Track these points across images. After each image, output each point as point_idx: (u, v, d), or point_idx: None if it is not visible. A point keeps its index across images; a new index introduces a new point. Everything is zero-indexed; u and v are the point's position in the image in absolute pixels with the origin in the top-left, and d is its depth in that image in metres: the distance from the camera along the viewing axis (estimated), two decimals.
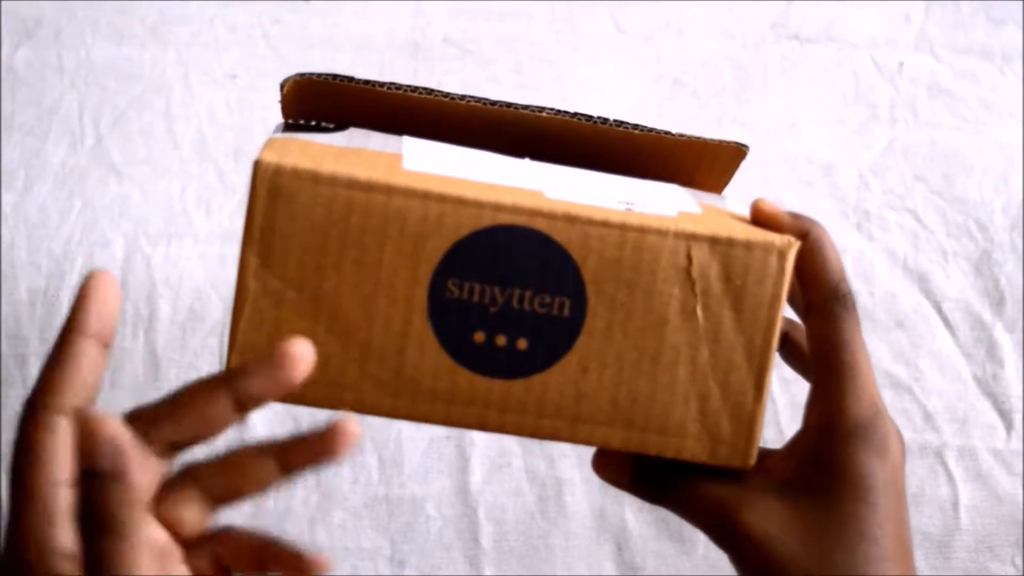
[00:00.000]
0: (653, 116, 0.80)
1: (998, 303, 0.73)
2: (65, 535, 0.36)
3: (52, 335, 0.69)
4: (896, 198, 0.77)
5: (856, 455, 0.43)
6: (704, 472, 0.45)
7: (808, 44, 0.83)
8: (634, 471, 0.46)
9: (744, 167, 0.52)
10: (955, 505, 0.68)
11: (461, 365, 0.44)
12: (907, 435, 0.69)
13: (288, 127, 0.49)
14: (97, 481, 0.36)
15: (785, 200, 0.76)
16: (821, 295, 0.44)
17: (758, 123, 0.80)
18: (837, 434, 0.43)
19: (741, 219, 0.47)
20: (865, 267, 0.74)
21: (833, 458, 0.43)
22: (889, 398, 0.70)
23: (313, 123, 0.49)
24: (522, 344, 0.44)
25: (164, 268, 0.71)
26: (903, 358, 0.72)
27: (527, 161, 0.49)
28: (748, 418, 0.44)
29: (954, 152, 0.79)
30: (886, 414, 0.44)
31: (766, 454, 0.45)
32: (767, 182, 0.77)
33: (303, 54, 0.80)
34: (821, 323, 0.45)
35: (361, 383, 0.43)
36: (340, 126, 0.49)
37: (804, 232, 0.44)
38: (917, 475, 0.69)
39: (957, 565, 0.67)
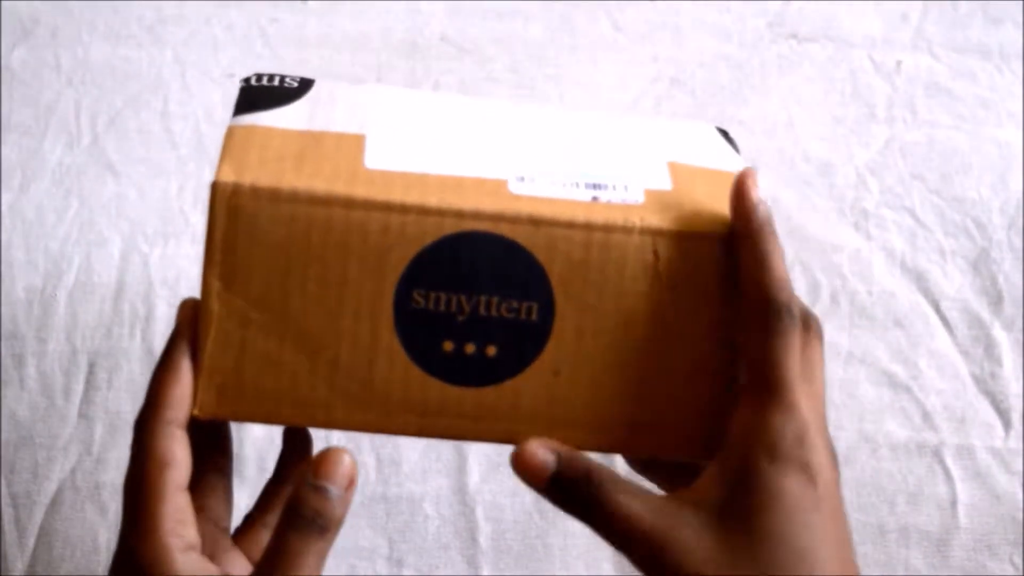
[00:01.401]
0: (651, 116, 0.79)
1: (996, 302, 0.73)
2: (193, 531, 0.42)
3: (49, 334, 0.69)
4: (894, 197, 0.77)
5: (783, 481, 0.40)
6: (630, 491, 0.42)
7: (805, 43, 0.83)
8: (553, 474, 0.43)
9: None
10: (953, 504, 0.68)
11: (432, 376, 0.43)
12: (905, 434, 0.70)
13: (249, 93, 0.47)
14: (324, 493, 0.41)
15: (782, 199, 0.76)
16: (756, 307, 0.42)
17: (755, 122, 0.80)
18: (763, 460, 0.41)
19: (715, 184, 0.45)
20: (863, 266, 0.74)
21: (761, 484, 0.40)
22: (887, 397, 0.70)
23: (276, 81, 0.48)
24: (491, 351, 0.43)
25: (161, 267, 0.71)
26: (901, 357, 0.72)
27: (491, 124, 0.47)
28: (730, 411, 0.43)
29: (952, 151, 0.79)
30: (816, 433, 0.41)
31: (691, 480, 0.43)
32: (764, 181, 0.76)
33: (300, 53, 0.80)
34: (754, 337, 0.42)
35: (332, 399, 0.43)
36: (304, 85, 0.48)
37: (753, 231, 0.42)
38: (915, 474, 0.69)
39: (955, 564, 0.67)
